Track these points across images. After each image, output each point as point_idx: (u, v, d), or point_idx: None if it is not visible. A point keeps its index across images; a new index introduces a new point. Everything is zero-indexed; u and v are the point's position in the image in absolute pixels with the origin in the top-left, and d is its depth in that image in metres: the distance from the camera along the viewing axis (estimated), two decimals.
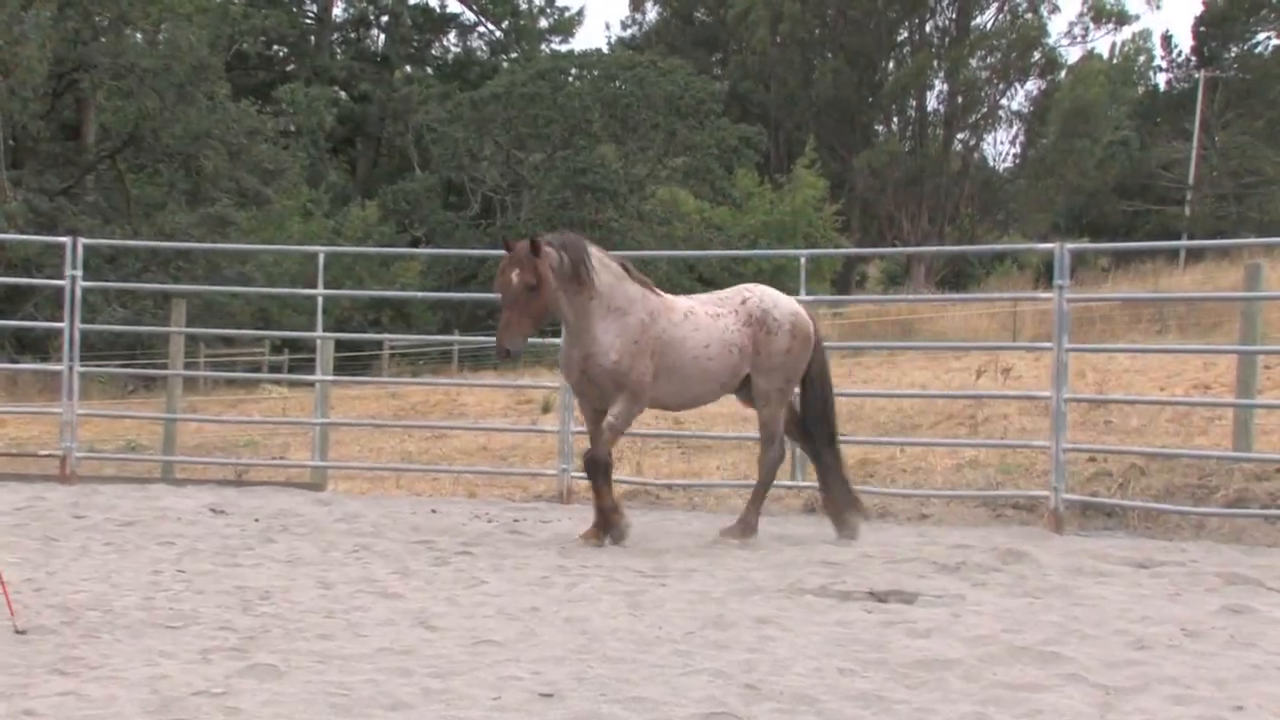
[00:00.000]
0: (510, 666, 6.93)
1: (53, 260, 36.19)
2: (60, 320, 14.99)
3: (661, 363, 11.24)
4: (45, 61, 41.02)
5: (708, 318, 11.53)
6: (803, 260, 14.66)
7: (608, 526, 11.20)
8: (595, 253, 11.22)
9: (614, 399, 11.14)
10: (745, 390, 11.92)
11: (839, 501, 11.99)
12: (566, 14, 72.24)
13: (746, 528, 11.68)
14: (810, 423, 12.10)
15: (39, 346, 38.08)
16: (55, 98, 47.33)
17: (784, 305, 11.92)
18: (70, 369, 14.82)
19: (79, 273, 14.79)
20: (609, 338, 11.05)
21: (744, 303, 11.74)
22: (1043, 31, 73.06)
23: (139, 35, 48.83)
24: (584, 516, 12.65)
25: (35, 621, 7.72)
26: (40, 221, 40.42)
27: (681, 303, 11.62)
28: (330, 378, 15.87)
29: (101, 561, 9.91)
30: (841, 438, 12.56)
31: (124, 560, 9.97)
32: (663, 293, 11.59)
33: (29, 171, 45.35)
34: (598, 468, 11.17)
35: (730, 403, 22.89)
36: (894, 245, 68.43)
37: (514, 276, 10.79)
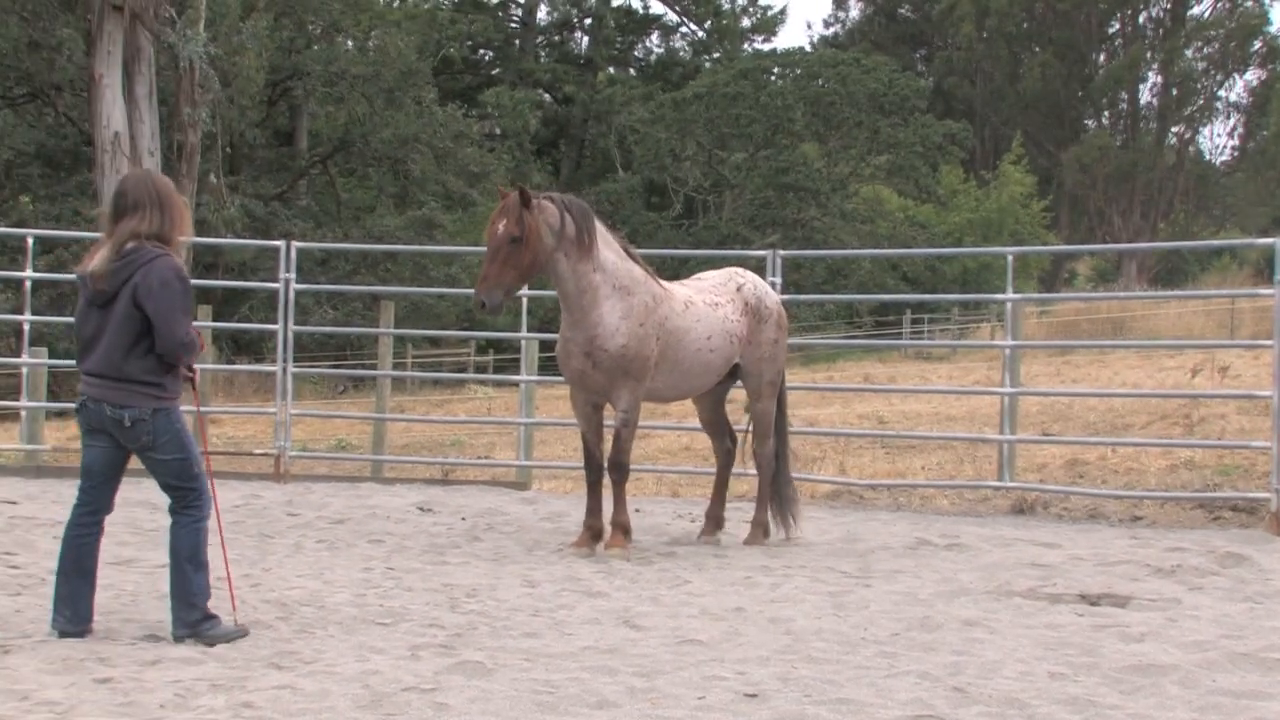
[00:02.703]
0: (715, 666, 6.91)
1: (267, 264, 37.18)
2: (274, 322, 15.32)
3: (664, 354, 10.62)
4: (262, 70, 42.10)
5: (707, 307, 10.97)
6: (1009, 258, 14.41)
7: (628, 534, 10.67)
8: (600, 225, 10.66)
9: (618, 388, 10.49)
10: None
11: (786, 501, 11.48)
12: (769, 13, 71.99)
13: (763, 530, 11.36)
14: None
15: (254, 348, 39.12)
16: (270, 105, 48.58)
17: (771, 293, 11.57)
18: (284, 370, 15.14)
19: (292, 275, 15.09)
20: (614, 319, 10.36)
21: (739, 290, 11.26)
22: (1264, 20, 71.18)
23: (350, 42, 49.89)
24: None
25: (253, 617, 7.91)
26: (255, 226, 41.50)
27: (680, 291, 11.00)
28: (535, 378, 16.00)
29: (314, 559, 10.12)
30: (1050, 438, 12.29)
31: (336, 557, 10.17)
32: (662, 281, 10.94)
33: (245, 177, 46.62)
34: (623, 473, 10.61)
35: (935, 401, 22.67)
36: (1104, 242, 67.15)
37: (499, 227, 10.07)
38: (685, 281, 11.48)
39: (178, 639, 7.26)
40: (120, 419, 7.20)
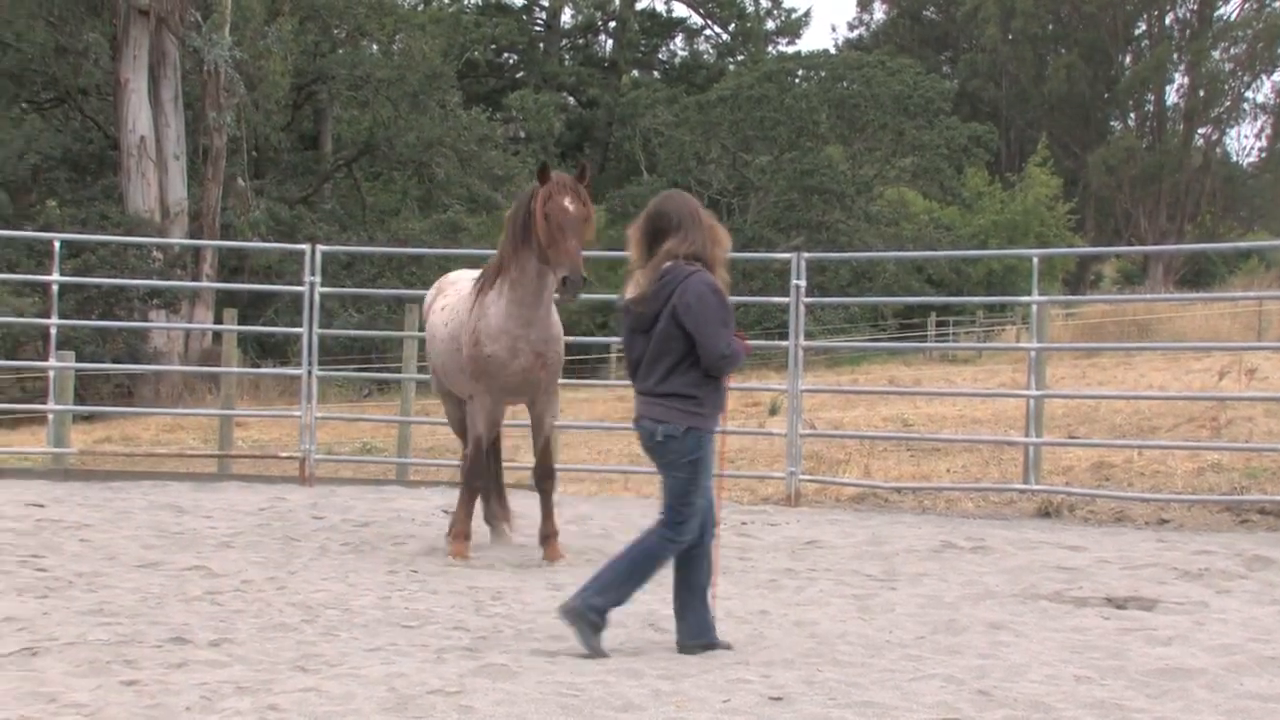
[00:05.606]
0: (740, 669, 6.90)
1: (292, 267, 37.24)
2: (299, 326, 15.34)
3: None
4: (287, 74, 42.24)
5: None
6: (1035, 260, 14.36)
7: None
8: None
9: (550, 390, 10.39)
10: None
11: (505, 509, 11.38)
12: (793, 15, 71.99)
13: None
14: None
15: (279, 351, 39.18)
16: (295, 109, 48.74)
17: None
18: (309, 373, 15.15)
19: (317, 279, 15.09)
20: (558, 320, 10.26)
21: None
22: None
23: (374, 46, 50.05)
24: (812, 520, 12.59)
25: (278, 620, 7.92)
26: (281, 230, 41.62)
27: None
28: (559, 381, 15.95)
29: (339, 561, 10.13)
30: (1076, 440, 12.24)
31: (361, 560, 10.18)
32: None
33: (270, 181, 46.79)
34: (554, 480, 10.53)
35: (960, 403, 22.61)
36: (1130, 244, 66.93)
37: (569, 205, 9.56)
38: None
39: (563, 610, 7.30)
40: (654, 432, 7.29)
